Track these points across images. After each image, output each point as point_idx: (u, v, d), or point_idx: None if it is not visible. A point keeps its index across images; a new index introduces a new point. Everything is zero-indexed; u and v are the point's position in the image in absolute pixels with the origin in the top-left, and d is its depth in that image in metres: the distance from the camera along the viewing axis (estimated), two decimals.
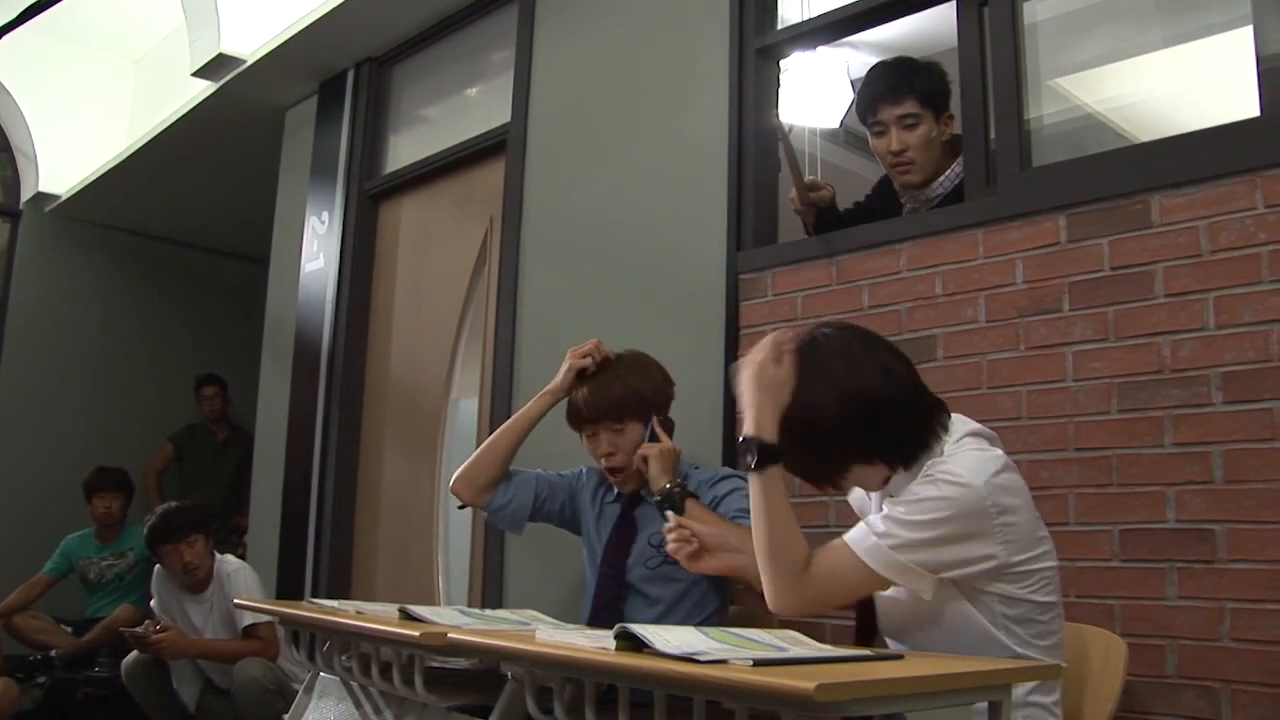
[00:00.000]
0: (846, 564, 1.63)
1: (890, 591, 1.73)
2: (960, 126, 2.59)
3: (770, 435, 1.67)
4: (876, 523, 1.64)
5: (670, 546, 1.96)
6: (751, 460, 1.66)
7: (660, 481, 2.39)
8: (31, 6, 2.79)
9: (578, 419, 2.56)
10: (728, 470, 2.56)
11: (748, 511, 2.30)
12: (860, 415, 1.68)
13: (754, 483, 1.68)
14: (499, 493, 2.64)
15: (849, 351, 1.73)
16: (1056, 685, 1.71)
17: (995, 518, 1.60)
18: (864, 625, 1.83)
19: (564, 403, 2.63)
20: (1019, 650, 1.65)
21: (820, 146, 3.92)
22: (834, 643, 1.76)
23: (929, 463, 1.68)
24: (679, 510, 2.32)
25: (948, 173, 2.65)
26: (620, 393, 2.51)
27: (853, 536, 1.65)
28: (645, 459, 2.45)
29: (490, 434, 2.74)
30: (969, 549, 1.61)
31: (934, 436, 1.71)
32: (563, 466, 2.76)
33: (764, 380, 1.70)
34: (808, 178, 2.94)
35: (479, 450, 2.67)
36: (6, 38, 2.79)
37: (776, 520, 1.67)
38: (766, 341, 1.75)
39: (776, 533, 1.66)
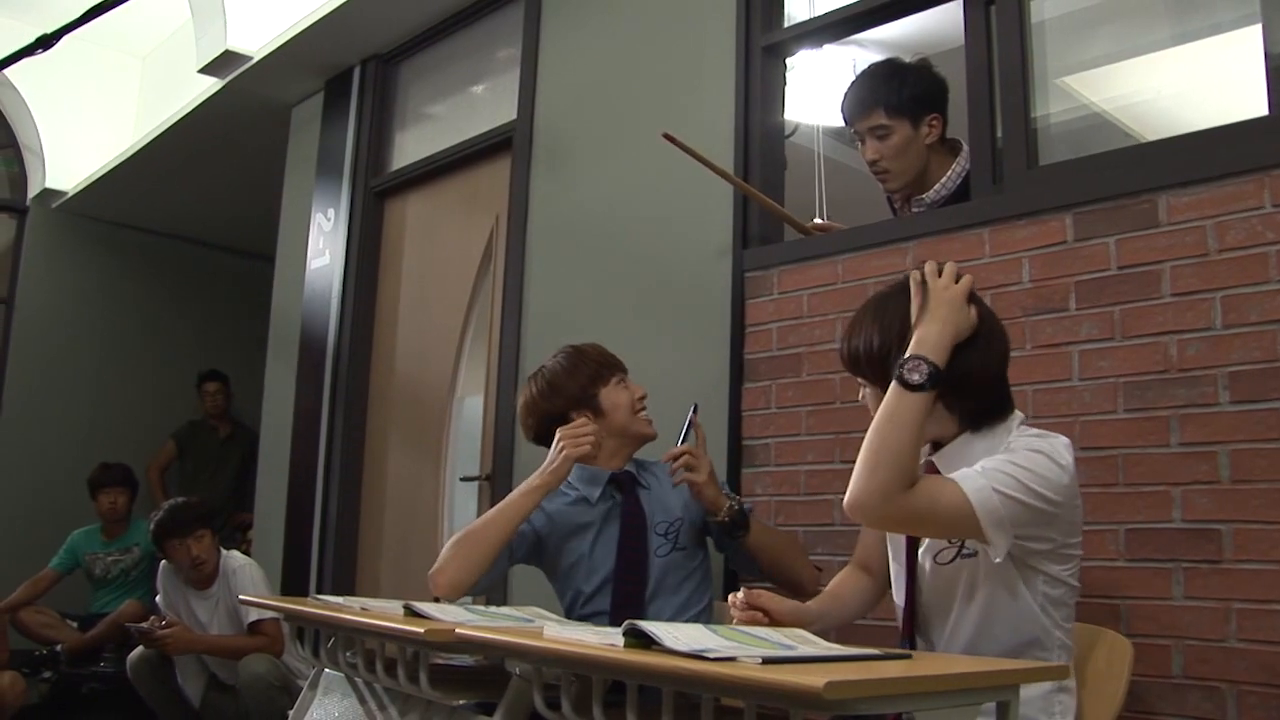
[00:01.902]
0: (952, 498, 1.64)
1: (946, 562, 1.78)
2: (966, 125, 2.59)
3: (941, 360, 1.69)
4: (990, 469, 1.66)
5: (736, 622, 1.86)
6: (920, 379, 1.67)
7: (722, 502, 2.34)
8: (95, 7, 2.79)
9: (609, 369, 2.53)
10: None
11: None
12: (986, 382, 1.78)
13: (906, 396, 1.67)
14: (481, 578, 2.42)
15: (998, 325, 1.84)
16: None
17: (1073, 500, 1.70)
18: (908, 599, 1.86)
19: (590, 356, 2.57)
20: (1055, 633, 1.73)
21: (828, 145, 3.93)
22: (842, 642, 1.76)
23: (1009, 439, 1.74)
24: (745, 534, 2.34)
25: (949, 174, 2.64)
26: None
27: (962, 476, 1.66)
28: (696, 486, 2.33)
29: (463, 533, 2.41)
30: (1048, 526, 1.68)
31: (1005, 417, 1.79)
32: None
33: (954, 313, 1.73)
34: (813, 221, 2.97)
35: (459, 549, 2.36)
36: (12, 35, 2.80)
37: (910, 437, 1.66)
38: (965, 280, 1.77)
39: (904, 447, 1.65)
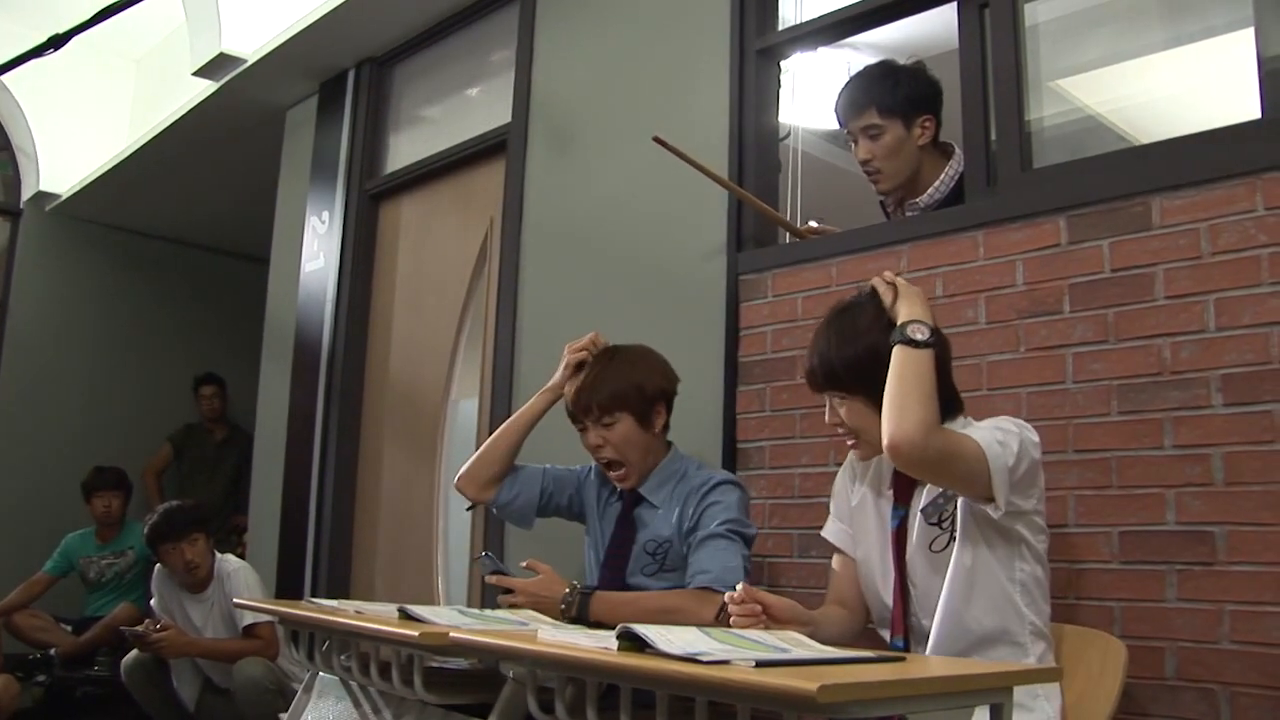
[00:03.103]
0: (969, 445, 1.76)
1: (940, 549, 1.87)
2: (960, 127, 2.59)
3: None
4: (982, 427, 1.83)
5: (735, 621, 1.86)
6: (924, 336, 1.83)
7: (555, 613, 2.28)
8: (108, 8, 2.81)
9: (570, 414, 2.54)
10: (723, 475, 2.48)
11: (727, 533, 2.33)
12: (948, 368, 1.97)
13: (913, 353, 1.82)
14: (504, 488, 2.64)
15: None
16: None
17: (1041, 466, 1.85)
18: (898, 600, 1.93)
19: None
20: (1029, 615, 1.82)
21: (823, 148, 3.93)
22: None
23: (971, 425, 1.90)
24: (586, 619, 2.26)
25: (942, 177, 2.65)
26: (611, 386, 2.45)
27: (969, 432, 1.81)
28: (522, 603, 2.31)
29: (491, 434, 2.74)
30: (1035, 476, 1.82)
31: (959, 412, 1.96)
32: (568, 464, 2.75)
33: (924, 300, 1.93)
34: (808, 225, 2.98)
35: (482, 448, 2.69)
36: (9, 39, 2.80)
37: (929, 383, 1.79)
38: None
39: (926, 389, 1.78)
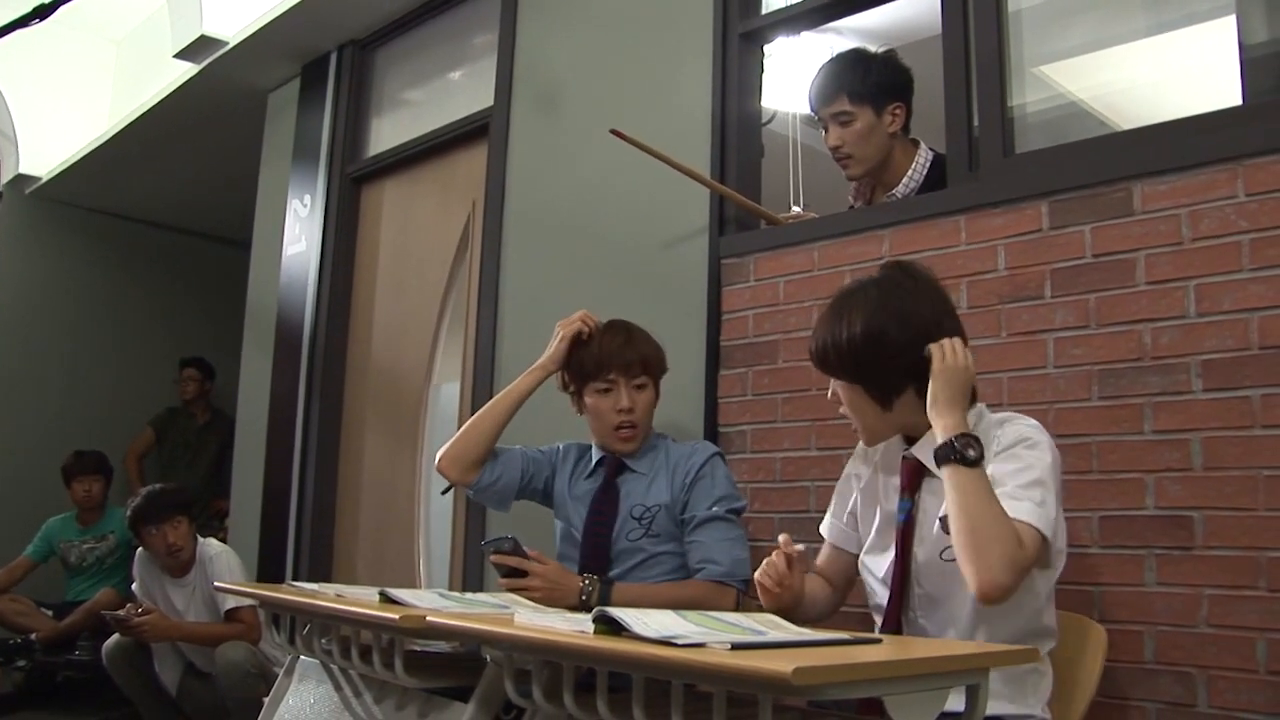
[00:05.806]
0: (1031, 541, 1.66)
1: (951, 559, 1.76)
2: (943, 112, 2.59)
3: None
4: (1021, 486, 1.71)
5: (763, 589, 1.85)
6: (976, 454, 1.71)
7: (573, 599, 2.25)
8: None
9: (599, 368, 2.48)
10: (706, 446, 2.52)
11: (726, 515, 2.39)
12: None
13: (969, 473, 1.70)
14: (486, 471, 2.59)
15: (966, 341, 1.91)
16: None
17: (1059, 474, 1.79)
18: (895, 594, 1.88)
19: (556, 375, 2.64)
20: (1044, 620, 1.80)
21: (806, 133, 3.93)
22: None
23: (981, 424, 1.84)
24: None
25: (913, 167, 2.67)
26: (646, 350, 2.51)
27: (1014, 509, 1.68)
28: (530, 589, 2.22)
29: (473, 415, 2.69)
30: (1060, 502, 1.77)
31: (971, 405, 1.86)
32: (547, 443, 2.75)
33: (966, 386, 1.82)
34: (791, 211, 2.98)
35: (465, 428, 2.61)
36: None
37: (994, 504, 1.67)
38: (966, 353, 1.84)
39: (997, 515, 1.66)
